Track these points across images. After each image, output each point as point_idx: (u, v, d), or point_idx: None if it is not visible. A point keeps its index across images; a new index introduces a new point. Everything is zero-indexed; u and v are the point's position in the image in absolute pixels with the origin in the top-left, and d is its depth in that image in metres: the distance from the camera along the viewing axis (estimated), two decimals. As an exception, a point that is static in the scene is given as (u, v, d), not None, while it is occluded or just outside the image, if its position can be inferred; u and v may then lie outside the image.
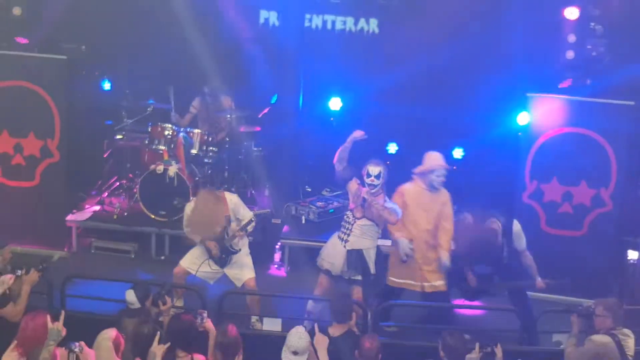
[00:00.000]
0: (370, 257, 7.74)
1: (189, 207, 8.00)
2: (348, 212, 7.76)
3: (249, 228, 7.81)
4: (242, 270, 7.93)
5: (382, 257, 7.91)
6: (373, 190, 7.55)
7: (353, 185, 7.70)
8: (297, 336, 6.06)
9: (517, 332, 7.66)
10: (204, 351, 6.13)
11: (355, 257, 7.68)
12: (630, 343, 6.34)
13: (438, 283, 7.87)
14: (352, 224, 7.68)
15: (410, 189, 7.89)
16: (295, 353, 6.01)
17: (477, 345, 6.11)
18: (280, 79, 10.10)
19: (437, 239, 7.81)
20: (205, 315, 6.31)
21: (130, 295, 6.53)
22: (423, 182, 7.85)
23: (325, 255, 7.80)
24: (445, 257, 7.73)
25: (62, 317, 5.86)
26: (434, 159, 7.89)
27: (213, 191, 8.01)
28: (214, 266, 7.91)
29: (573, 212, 8.88)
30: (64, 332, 5.81)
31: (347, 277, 7.70)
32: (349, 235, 7.70)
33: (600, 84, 9.10)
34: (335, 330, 6.49)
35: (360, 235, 7.68)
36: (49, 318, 5.84)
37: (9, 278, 6.49)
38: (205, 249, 7.89)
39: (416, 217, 7.84)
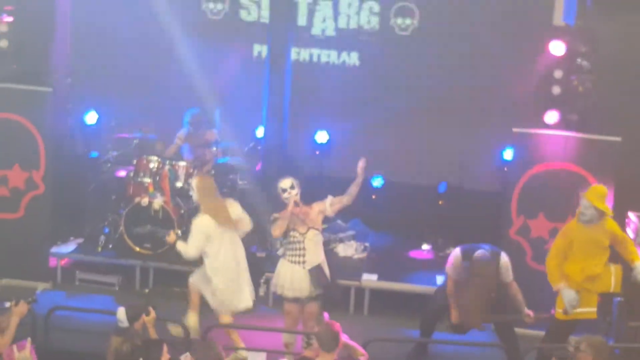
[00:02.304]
0: (326, 266, 7.75)
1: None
2: (292, 234, 7.66)
3: None
4: None
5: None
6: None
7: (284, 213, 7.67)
8: None
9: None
10: None
11: (316, 273, 7.64)
12: None
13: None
14: (303, 242, 7.63)
15: (574, 225, 7.73)
16: None
17: None
18: (265, 112, 10.12)
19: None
20: (187, 355, 6.31)
21: (121, 314, 6.55)
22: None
23: (287, 285, 7.68)
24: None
25: (28, 345, 5.84)
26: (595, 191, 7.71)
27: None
28: None
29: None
30: None
31: (313, 295, 7.67)
32: (304, 255, 7.64)
33: (587, 119, 9.18)
34: None
35: (314, 249, 7.66)
36: (14, 348, 5.82)
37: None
38: None
39: (585, 251, 7.67)
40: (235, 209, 8.00)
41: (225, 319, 7.94)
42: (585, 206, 7.63)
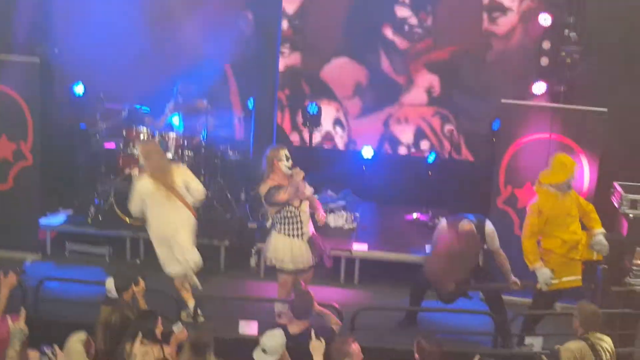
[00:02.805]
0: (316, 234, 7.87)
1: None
2: (287, 208, 7.64)
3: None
4: None
5: None
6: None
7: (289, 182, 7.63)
8: (270, 335, 6.07)
9: (491, 334, 7.76)
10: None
11: (312, 243, 7.75)
12: (605, 345, 6.46)
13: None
14: (299, 215, 7.67)
15: (546, 201, 7.71)
16: (264, 351, 6.03)
17: (476, 358, 6.14)
18: (257, 83, 10.10)
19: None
20: (179, 324, 6.37)
21: (110, 284, 6.59)
22: (555, 188, 7.69)
23: (288, 258, 7.71)
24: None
25: (22, 316, 5.93)
26: (563, 163, 7.74)
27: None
28: None
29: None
30: (26, 330, 5.90)
31: (312, 265, 7.78)
32: (301, 228, 7.69)
33: (574, 90, 9.23)
34: (295, 328, 6.47)
35: (308, 220, 7.75)
36: (9, 318, 5.89)
37: None
38: None
39: (564, 223, 7.72)
40: (182, 174, 8.00)
41: (177, 281, 8.05)
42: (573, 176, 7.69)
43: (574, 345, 6.42)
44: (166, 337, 6.24)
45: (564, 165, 7.70)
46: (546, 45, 9.19)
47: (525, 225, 7.77)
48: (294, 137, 11.51)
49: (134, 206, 7.94)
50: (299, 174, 7.59)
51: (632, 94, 9.59)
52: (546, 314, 7.93)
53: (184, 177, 7.98)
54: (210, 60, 10.53)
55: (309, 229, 7.78)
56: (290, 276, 7.76)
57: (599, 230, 7.75)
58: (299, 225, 7.70)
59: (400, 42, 11.16)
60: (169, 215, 7.86)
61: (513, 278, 7.85)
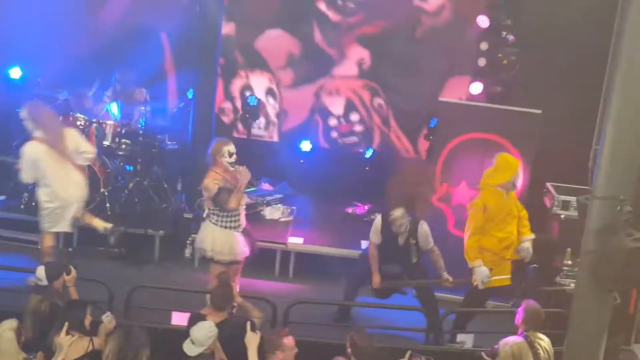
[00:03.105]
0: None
1: None
2: None
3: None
4: None
5: None
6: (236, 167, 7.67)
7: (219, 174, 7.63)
8: (198, 326, 6.04)
9: (423, 331, 7.87)
10: None
11: (248, 234, 7.86)
12: (544, 344, 6.64)
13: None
14: (238, 208, 7.70)
15: (491, 198, 7.80)
16: (192, 342, 6.01)
17: (408, 354, 6.21)
18: (197, 73, 10.01)
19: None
20: (109, 314, 6.32)
21: (40, 272, 6.50)
22: (502, 187, 7.79)
23: (226, 250, 7.73)
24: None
25: None
26: (509, 162, 7.88)
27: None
28: None
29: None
30: None
31: (245, 256, 7.82)
32: (239, 220, 7.75)
33: (510, 91, 9.39)
34: (213, 319, 6.47)
35: (243, 213, 7.81)
36: None
37: None
38: None
39: (504, 221, 7.83)
40: (72, 137, 8.07)
41: (47, 239, 8.11)
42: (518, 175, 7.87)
43: (513, 341, 6.59)
44: (96, 327, 6.20)
45: (509, 165, 7.85)
46: (483, 46, 9.35)
47: (468, 222, 7.85)
48: (229, 113, 11.46)
49: (26, 173, 7.90)
50: (246, 176, 7.58)
51: (566, 96, 9.79)
52: (478, 311, 8.08)
53: (74, 140, 8.03)
54: (147, 35, 10.44)
55: (244, 219, 7.83)
56: (225, 267, 7.76)
57: (528, 237, 7.93)
58: (238, 217, 7.74)
59: (333, 16, 11.21)
60: (64, 177, 7.91)
61: (445, 275, 7.96)
